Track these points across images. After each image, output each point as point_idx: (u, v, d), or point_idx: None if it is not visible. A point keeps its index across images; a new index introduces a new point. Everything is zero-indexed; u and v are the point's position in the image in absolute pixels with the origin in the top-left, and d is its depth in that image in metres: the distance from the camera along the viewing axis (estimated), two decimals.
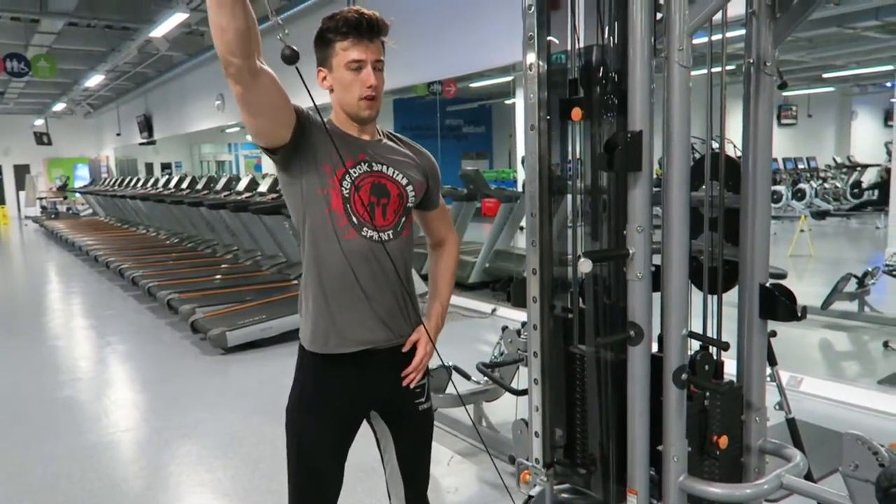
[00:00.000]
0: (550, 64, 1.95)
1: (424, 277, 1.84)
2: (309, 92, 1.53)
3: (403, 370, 1.72)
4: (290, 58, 1.38)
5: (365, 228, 1.61)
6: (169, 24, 8.99)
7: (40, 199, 21.50)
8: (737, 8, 1.88)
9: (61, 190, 21.60)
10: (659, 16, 1.74)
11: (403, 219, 1.69)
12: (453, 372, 2.92)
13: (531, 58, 1.93)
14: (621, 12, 1.85)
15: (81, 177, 24.18)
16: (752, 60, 1.95)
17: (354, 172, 1.60)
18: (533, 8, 1.90)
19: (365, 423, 1.80)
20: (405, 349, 1.72)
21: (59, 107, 19.86)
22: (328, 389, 1.69)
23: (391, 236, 1.65)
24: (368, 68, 1.58)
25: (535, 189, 1.97)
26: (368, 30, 1.57)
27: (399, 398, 1.75)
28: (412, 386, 1.74)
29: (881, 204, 11.74)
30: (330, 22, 1.59)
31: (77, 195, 20.55)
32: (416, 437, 1.82)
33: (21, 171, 22.95)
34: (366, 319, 1.65)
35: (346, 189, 1.58)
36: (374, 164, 1.63)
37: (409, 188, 1.68)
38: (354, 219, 1.60)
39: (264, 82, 1.46)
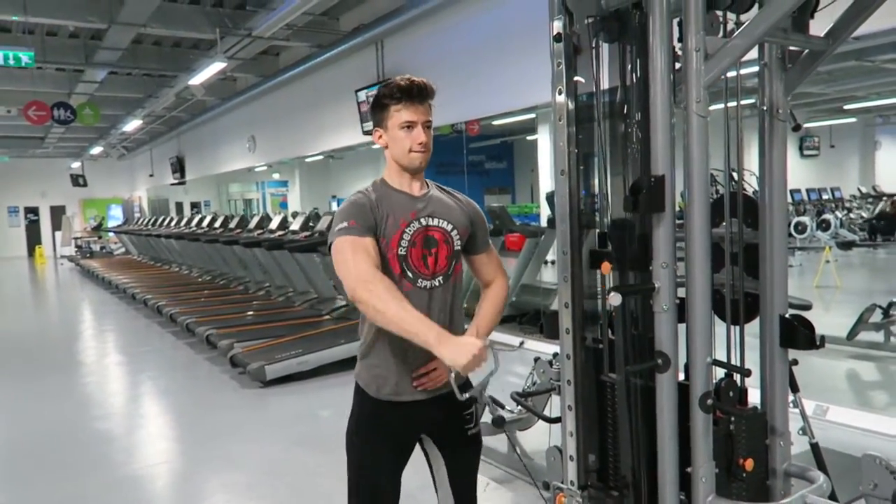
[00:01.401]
0: (578, 103, 2.13)
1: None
2: None
3: (454, 402, 1.87)
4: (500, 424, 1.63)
5: (420, 280, 1.81)
6: (207, 73, 9.41)
7: (76, 238, 22.15)
8: (750, 54, 2.03)
9: (96, 230, 22.24)
10: (678, 65, 1.91)
11: (454, 263, 1.87)
12: (489, 402, 3.06)
13: (560, 107, 2.11)
14: (643, 59, 2.03)
15: (115, 216, 24.88)
16: (765, 107, 2.11)
17: (409, 231, 1.80)
18: (561, 60, 2.09)
19: (418, 448, 1.96)
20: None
21: (96, 150, 20.58)
22: (383, 419, 1.85)
23: (442, 281, 1.84)
24: (419, 128, 1.79)
25: (567, 228, 2.13)
26: (418, 94, 1.78)
27: (450, 424, 1.91)
28: (463, 413, 1.90)
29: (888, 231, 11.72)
30: (385, 89, 1.80)
31: (110, 234, 21.15)
32: (465, 460, 1.97)
33: (57, 213, 23.72)
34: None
35: (402, 248, 1.79)
36: (422, 218, 1.83)
37: (455, 233, 1.86)
38: (410, 273, 1.80)
39: None
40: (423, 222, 1.82)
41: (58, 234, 23.13)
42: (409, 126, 1.79)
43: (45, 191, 23.67)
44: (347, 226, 1.72)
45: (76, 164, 22.66)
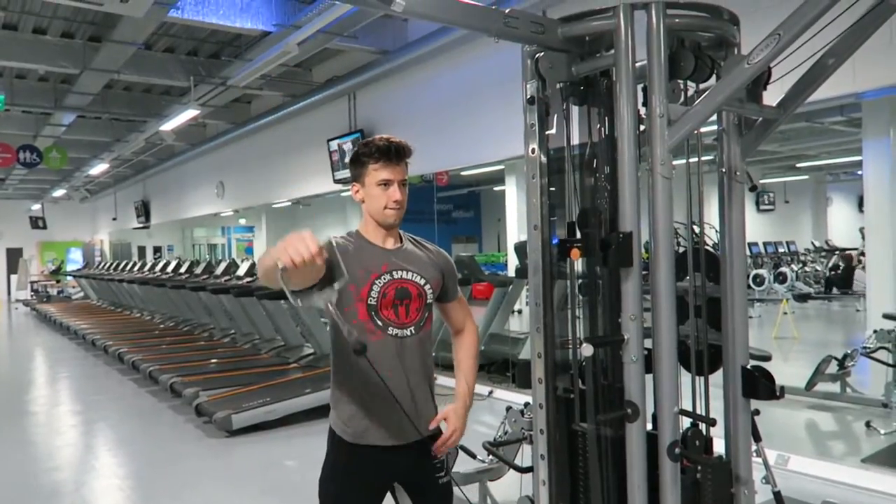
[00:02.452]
0: (549, 158, 2.24)
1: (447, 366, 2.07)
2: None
3: (426, 451, 1.92)
4: (360, 352, 1.64)
5: (391, 328, 1.87)
6: (179, 119, 9.45)
7: (32, 282, 21.54)
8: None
9: (55, 273, 21.69)
10: (642, 127, 2.04)
11: (426, 314, 1.94)
12: (459, 451, 3.07)
13: (533, 165, 2.22)
14: (610, 121, 2.16)
15: (74, 260, 24.32)
16: (724, 169, 2.25)
17: (379, 283, 1.86)
18: (534, 121, 2.21)
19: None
20: (432, 426, 1.94)
21: (58, 192, 20.25)
22: (356, 465, 1.87)
23: (413, 332, 1.90)
24: (395, 186, 1.88)
25: (539, 281, 2.22)
26: (396, 154, 1.88)
27: (421, 473, 1.94)
28: (434, 462, 1.93)
29: (843, 286, 12.22)
30: (364, 147, 1.89)
31: (69, 278, 20.65)
32: None
33: (14, 255, 23.09)
34: (392, 420, 1.86)
35: (372, 299, 1.85)
36: (395, 271, 1.89)
37: (427, 287, 1.93)
38: (380, 322, 1.86)
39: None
40: (396, 275, 1.89)
41: (13, 277, 22.48)
42: (386, 184, 1.87)
43: (1, 232, 23.07)
44: None
45: (36, 207, 22.22)
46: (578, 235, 2.15)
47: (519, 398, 5.14)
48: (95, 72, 8.35)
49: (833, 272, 12.59)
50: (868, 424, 4.73)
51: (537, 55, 2.17)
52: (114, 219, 20.62)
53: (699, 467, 2.03)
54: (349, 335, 1.63)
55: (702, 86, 2.16)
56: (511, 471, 3.15)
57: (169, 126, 9.83)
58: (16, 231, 22.81)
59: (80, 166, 15.85)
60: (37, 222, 22.03)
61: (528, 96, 2.23)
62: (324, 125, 9.38)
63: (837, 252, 13.65)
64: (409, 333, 1.89)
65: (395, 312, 1.87)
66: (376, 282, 1.85)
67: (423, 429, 1.89)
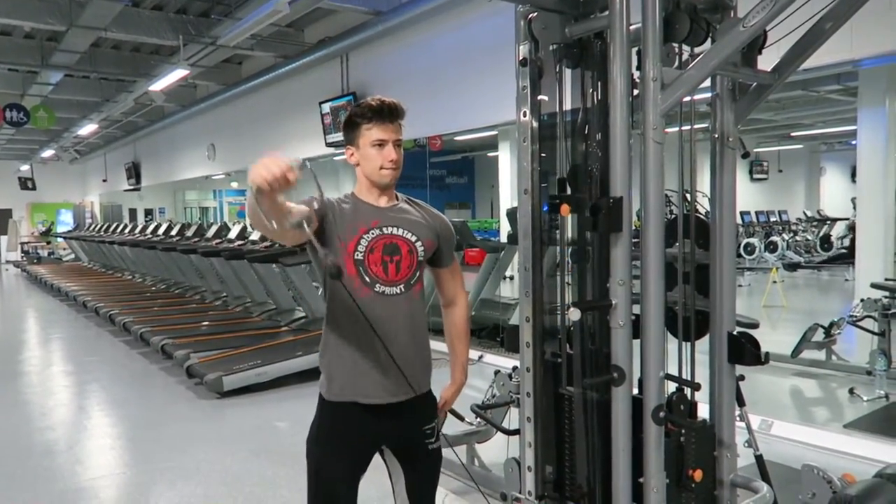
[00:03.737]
0: (541, 123, 2.22)
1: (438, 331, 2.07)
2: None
3: (415, 413, 1.92)
4: (335, 275, 1.70)
5: (378, 284, 1.84)
6: (169, 80, 9.30)
7: (23, 243, 21.41)
8: (704, 83, 2.15)
9: (45, 235, 21.55)
10: (636, 92, 2.01)
11: (416, 273, 1.91)
12: (448, 414, 3.11)
13: (525, 128, 2.20)
14: (603, 85, 2.14)
15: (64, 222, 24.15)
16: (717, 135, 2.24)
17: (367, 238, 1.84)
18: (526, 83, 2.18)
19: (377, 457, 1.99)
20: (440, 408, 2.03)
21: (47, 153, 20.01)
22: (344, 427, 1.87)
23: (403, 290, 1.88)
24: (390, 146, 1.86)
25: (528, 245, 2.22)
26: (389, 114, 1.85)
27: (411, 437, 1.94)
28: (424, 427, 1.94)
29: (850, 257, 12.23)
30: (357, 109, 1.87)
31: (60, 240, 20.53)
32: (424, 473, 2.00)
33: (3, 216, 22.89)
34: (381, 376, 1.85)
35: (359, 253, 1.83)
36: (385, 227, 1.87)
37: (419, 244, 1.91)
38: (367, 278, 1.84)
39: (295, 231, 1.69)
40: (386, 231, 1.87)
41: (3, 238, 22.34)
42: (381, 144, 1.85)
43: None
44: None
45: (25, 167, 21.96)
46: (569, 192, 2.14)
47: (508, 363, 5.18)
48: (82, 29, 8.18)
49: (823, 242, 12.67)
50: (851, 391, 4.81)
51: (530, 16, 2.14)
52: (104, 180, 20.42)
53: (683, 431, 2.06)
54: (325, 258, 1.69)
55: (696, 49, 2.14)
56: (498, 433, 3.19)
57: (158, 86, 9.67)
58: (4, 192, 22.56)
59: (69, 126, 15.62)
60: (26, 183, 21.80)
61: (521, 58, 2.20)
62: (316, 88, 9.25)
63: (829, 222, 13.69)
64: (398, 291, 1.87)
65: (385, 269, 1.84)
66: (364, 236, 1.83)
67: (411, 389, 1.89)
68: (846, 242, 12.47)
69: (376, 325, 1.81)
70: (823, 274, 12.76)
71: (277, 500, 3.39)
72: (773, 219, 14.82)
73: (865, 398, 4.70)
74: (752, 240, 11.52)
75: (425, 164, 11.15)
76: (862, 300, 5.20)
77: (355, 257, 1.83)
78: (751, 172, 17.30)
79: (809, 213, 15.87)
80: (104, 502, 3.51)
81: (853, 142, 16.90)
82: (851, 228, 12.87)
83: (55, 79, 10.83)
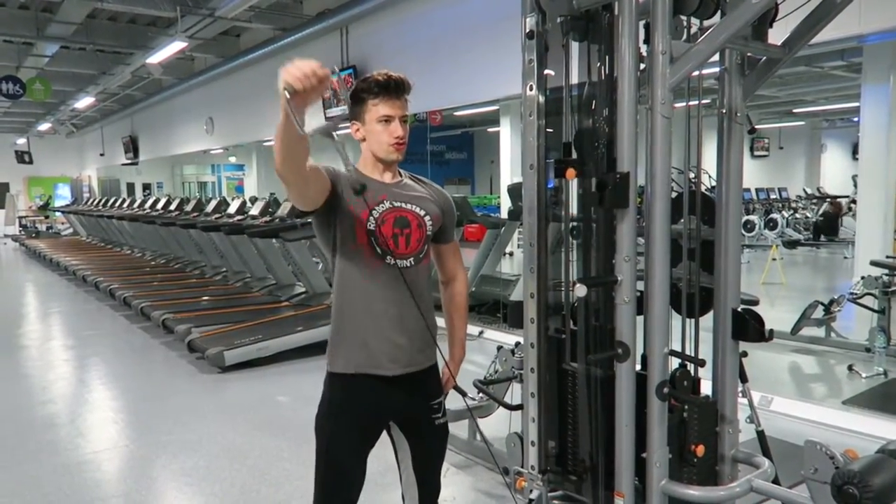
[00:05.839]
0: (547, 97, 2.19)
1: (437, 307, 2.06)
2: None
3: (422, 388, 1.93)
4: (359, 191, 1.72)
5: (388, 257, 1.83)
6: (166, 52, 9.17)
7: (20, 217, 21.34)
8: (712, 58, 2.11)
9: (43, 209, 21.46)
10: (643, 66, 1.98)
11: (425, 247, 1.91)
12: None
13: (531, 102, 2.17)
14: (610, 59, 2.10)
15: (62, 196, 24.05)
16: (724, 111, 2.21)
17: (378, 210, 1.82)
18: (532, 56, 2.15)
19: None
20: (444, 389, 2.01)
21: (43, 126, 19.84)
22: (352, 401, 1.87)
23: (412, 263, 1.87)
24: (396, 122, 1.83)
25: (534, 221, 2.20)
26: (395, 89, 1.82)
27: (417, 413, 1.94)
28: (431, 402, 1.95)
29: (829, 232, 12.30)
30: (363, 83, 1.83)
31: (58, 214, 20.45)
32: (431, 448, 2.01)
33: (0, 190, 22.80)
34: (390, 347, 1.84)
35: (371, 224, 1.81)
36: (394, 201, 1.86)
37: (427, 218, 1.90)
38: (378, 249, 1.82)
39: (310, 181, 1.72)
40: (395, 204, 1.86)
41: (1, 212, 22.26)
42: (387, 120, 1.83)
43: None
44: None
45: (21, 141, 21.79)
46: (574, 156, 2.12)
47: (509, 338, 5.20)
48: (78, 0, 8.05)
49: (821, 218, 12.65)
50: (850, 368, 4.83)
51: None
52: (101, 154, 20.28)
53: (686, 406, 2.06)
54: (348, 166, 1.73)
55: (706, 23, 2.10)
56: (500, 408, 3.21)
57: (156, 59, 9.55)
58: (1, 165, 22.43)
59: (65, 100, 15.47)
60: (23, 157, 21.64)
61: (528, 30, 2.16)
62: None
63: (828, 199, 13.67)
64: (408, 264, 1.86)
65: (395, 242, 1.83)
66: (376, 209, 1.82)
67: (419, 361, 1.89)
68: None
69: (386, 298, 1.82)
70: (822, 251, 12.77)
71: (279, 472, 3.41)
72: (773, 196, 14.80)
73: (864, 375, 4.73)
74: (751, 217, 11.48)
75: (426, 139, 11.06)
76: (862, 277, 5.20)
77: (368, 227, 1.81)
78: (751, 149, 17.24)
79: (809, 191, 15.84)
80: (107, 475, 3.53)
81: (855, 119, 16.82)
82: (832, 205, 12.87)
83: (51, 51, 10.69)
